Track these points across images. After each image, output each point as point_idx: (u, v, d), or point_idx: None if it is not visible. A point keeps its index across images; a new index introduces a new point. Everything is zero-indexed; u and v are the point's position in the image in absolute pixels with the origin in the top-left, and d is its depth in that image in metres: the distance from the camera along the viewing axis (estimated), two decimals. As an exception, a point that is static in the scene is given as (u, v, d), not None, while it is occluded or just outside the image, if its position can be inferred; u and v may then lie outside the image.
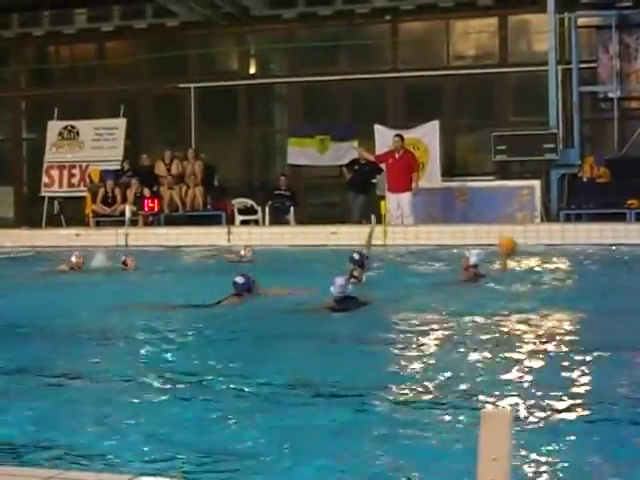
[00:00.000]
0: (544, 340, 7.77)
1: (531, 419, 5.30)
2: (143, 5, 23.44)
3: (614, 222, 17.59)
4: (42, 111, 23.93)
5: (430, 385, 6.19)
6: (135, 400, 5.95)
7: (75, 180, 23.16)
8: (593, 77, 20.95)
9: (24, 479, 3.56)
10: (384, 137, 20.45)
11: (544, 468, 4.53)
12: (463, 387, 6.13)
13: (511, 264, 12.94)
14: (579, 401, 5.74)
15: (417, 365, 6.88)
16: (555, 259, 14.65)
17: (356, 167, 20.62)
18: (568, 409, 5.55)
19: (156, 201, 21.28)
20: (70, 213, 22.71)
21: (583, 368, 6.67)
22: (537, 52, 21.21)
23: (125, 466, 4.53)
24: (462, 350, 7.36)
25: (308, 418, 5.49)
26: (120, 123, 23.11)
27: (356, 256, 11.66)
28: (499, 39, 21.89)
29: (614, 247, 15.93)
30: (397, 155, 19.33)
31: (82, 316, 9.58)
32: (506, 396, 5.87)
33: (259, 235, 18.75)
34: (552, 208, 19.55)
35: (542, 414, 5.43)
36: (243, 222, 20.82)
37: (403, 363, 6.97)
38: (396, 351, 7.45)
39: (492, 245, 14.02)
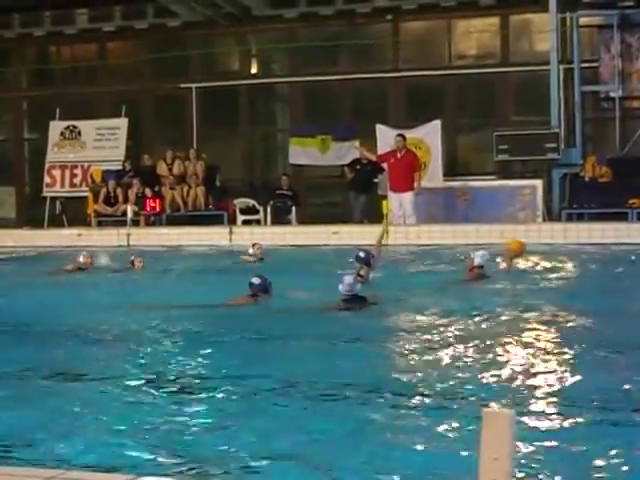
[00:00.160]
0: (546, 340, 7.77)
1: (533, 419, 5.30)
2: (144, 5, 23.45)
3: (616, 222, 17.59)
4: (44, 111, 23.93)
5: (434, 384, 6.19)
6: (138, 400, 5.95)
7: (77, 180, 23.16)
8: (595, 77, 20.94)
9: (25, 479, 3.55)
10: (386, 137, 20.44)
11: (545, 468, 4.53)
12: (465, 386, 6.13)
13: (514, 264, 12.94)
14: (581, 401, 5.74)
15: (421, 365, 6.88)
16: (557, 259, 14.63)
17: (358, 167, 20.61)
18: (570, 409, 5.55)
19: (158, 201, 21.28)
20: (72, 213, 22.71)
21: (585, 367, 6.66)
22: (539, 52, 21.20)
23: (126, 466, 4.53)
24: (465, 350, 7.35)
25: (308, 417, 5.49)
26: (122, 123, 23.11)
27: (362, 254, 11.63)
28: (501, 39, 21.89)
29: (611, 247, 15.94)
30: (399, 155, 19.32)
31: (87, 316, 9.59)
32: (508, 395, 5.87)
33: (261, 235, 18.71)
34: (554, 208, 19.54)
35: (544, 414, 5.42)
36: (245, 222, 20.81)
37: (408, 363, 6.98)
38: (402, 351, 7.45)
39: (494, 244, 14.04)
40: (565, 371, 6.57)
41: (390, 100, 22.56)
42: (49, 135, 23.45)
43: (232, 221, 20.53)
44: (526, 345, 7.55)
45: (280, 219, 20.75)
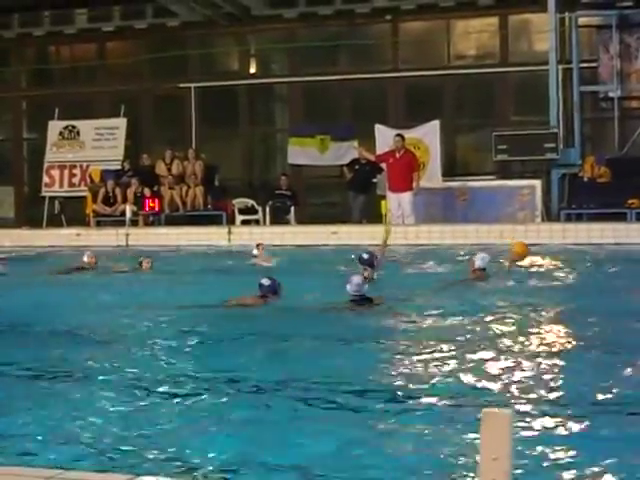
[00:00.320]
0: (546, 340, 7.78)
1: (532, 419, 5.30)
2: (143, 5, 23.44)
3: (615, 222, 17.59)
4: (43, 111, 23.92)
5: (434, 384, 6.21)
6: (140, 400, 5.96)
7: (76, 180, 23.15)
8: (594, 77, 20.95)
9: (24, 479, 3.55)
10: (385, 137, 20.44)
11: (545, 468, 4.53)
12: (464, 386, 6.14)
13: (514, 265, 12.97)
14: (581, 400, 5.74)
15: (422, 365, 6.90)
16: (556, 259, 14.63)
17: (356, 167, 20.61)
18: (570, 408, 5.55)
19: (157, 201, 21.27)
20: (71, 213, 22.71)
21: (585, 367, 6.67)
22: (538, 52, 21.20)
23: (127, 466, 4.54)
24: (465, 350, 7.37)
25: (310, 417, 5.49)
26: (121, 123, 23.11)
27: (366, 256, 11.67)
28: (500, 39, 21.89)
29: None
30: (398, 155, 19.32)
31: (92, 316, 9.62)
32: (507, 395, 5.87)
33: (260, 235, 18.69)
34: (553, 208, 19.54)
35: (543, 414, 5.43)
36: (244, 222, 20.81)
37: (410, 363, 6.99)
38: (405, 352, 7.48)
39: (493, 244, 14.06)
40: (564, 371, 6.58)
41: (389, 100, 22.57)
42: (48, 135, 23.44)
43: (231, 221, 20.53)
44: (526, 345, 7.56)
45: (279, 219, 20.75)
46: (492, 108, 22.04)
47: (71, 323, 9.13)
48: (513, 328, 8.38)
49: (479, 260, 11.85)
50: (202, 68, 23.73)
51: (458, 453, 4.64)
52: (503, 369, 6.65)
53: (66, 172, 23.22)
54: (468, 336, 8.01)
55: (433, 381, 6.35)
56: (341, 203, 21.62)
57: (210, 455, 4.78)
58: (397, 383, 6.32)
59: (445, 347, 7.52)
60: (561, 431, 5.11)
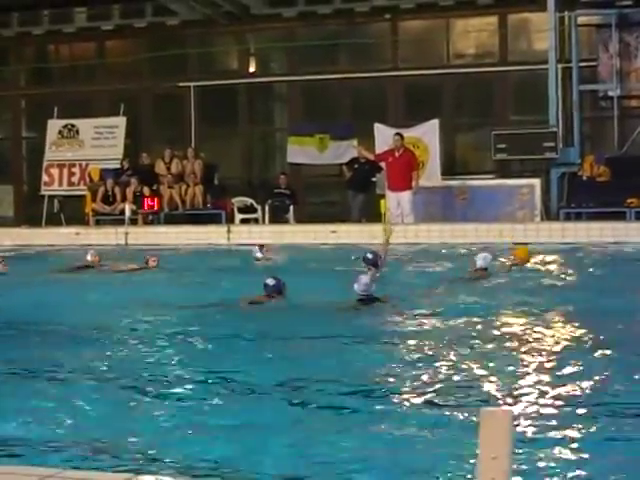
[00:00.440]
0: (546, 339, 7.78)
1: (532, 418, 5.30)
2: (143, 4, 23.44)
3: (614, 221, 17.59)
4: (42, 110, 23.91)
5: (434, 383, 6.21)
6: (143, 399, 5.96)
7: (75, 179, 23.15)
8: (593, 76, 20.94)
9: (24, 478, 3.55)
10: (384, 136, 20.44)
11: (544, 467, 4.53)
12: (464, 385, 6.14)
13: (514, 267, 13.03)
14: (581, 400, 5.74)
15: (424, 364, 6.91)
16: (555, 258, 14.64)
17: (356, 166, 20.60)
18: (570, 408, 5.55)
19: (156, 200, 21.27)
20: (70, 212, 22.70)
21: (584, 366, 6.67)
22: (537, 51, 21.19)
23: (127, 465, 4.54)
24: (466, 349, 7.37)
25: (311, 417, 5.49)
26: (120, 122, 23.10)
27: (370, 255, 11.76)
28: (499, 38, 21.88)
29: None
30: (397, 154, 19.31)
31: (94, 315, 9.63)
32: (507, 394, 5.87)
33: (259, 234, 18.73)
34: (552, 207, 19.54)
35: (542, 413, 5.43)
36: (243, 221, 20.81)
37: (414, 362, 7.00)
38: (409, 350, 7.49)
39: (492, 243, 14.08)
40: (564, 370, 6.58)
41: (388, 99, 22.56)
42: (47, 134, 23.43)
43: (230, 220, 20.53)
44: (525, 345, 7.57)
45: (278, 218, 20.74)
46: (491, 107, 22.04)
47: (75, 322, 9.15)
48: (512, 328, 8.39)
49: (481, 260, 11.89)
50: (201, 67, 23.73)
51: (457, 452, 4.64)
52: (503, 368, 6.66)
53: (65, 171, 23.22)
54: (469, 335, 8.01)
55: (434, 380, 6.35)
56: (340, 202, 21.61)
57: (210, 455, 4.78)
58: (397, 382, 6.32)
59: (446, 346, 7.53)
60: (561, 430, 5.11)
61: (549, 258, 14.52)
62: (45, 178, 23.30)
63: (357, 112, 22.18)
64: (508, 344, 7.58)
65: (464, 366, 6.78)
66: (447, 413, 5.46)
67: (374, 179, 20.45)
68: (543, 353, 7.21)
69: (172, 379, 6.55)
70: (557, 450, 4.77)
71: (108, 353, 7.58)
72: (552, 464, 4.58)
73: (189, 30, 23.25)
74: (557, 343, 7.60)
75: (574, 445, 4.85)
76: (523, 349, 7.38)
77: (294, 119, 23.13)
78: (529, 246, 14.40)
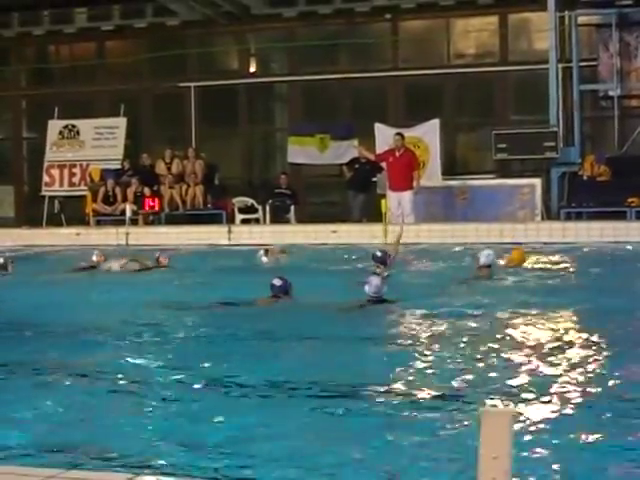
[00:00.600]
0: (547, 339, 7.78)
1: (533, 418, 5.30)
2: (143, 4, 23.44)
3: (615, 220, 17.59)
4: (42, 110, 23.92)
5: (435, 383, 6.22)
6: (144, 399, 5.96)
7: (75, 179, 23.16)
8: (593, 75, 20.94)
9: (25, 478, 3.55)
10: (384, 136, 20.44)
11: (545, 467, 4.53)
12: (465, 385, 6.14)
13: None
14: (583, 399, 5.74)
15: (427, 363, 6.92)
16: (556, 258, 14.64)
17: (356, 166, 20.61)
18: (571, 407, 5.55)
19: (156, 200, 21.28)
20: (70, 212, 22.70)
21: (584, 366, 6.67)
22: (537, 50, 21.20)
23: (126, 465, 4.54)
24: (470, 348, 7.39)
25: (313, 417, 5.50)
26: (120, 122, 23.10)
27: (379, 254, 11.90)
28: (499, 37, 21.89)
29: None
30: (398, 153, 19.30)
31: (97, 315, 9.64)
32: (508, 394, 5.88)
33: (259, 234, 18.73)
34: (553, 206, 19.54)
35: (543, 413, 5.43)
36: (243, 221, 20.81)
37: (417, 362, 7.00)
38: (412, 350, 7.50)
39: (493, 243, 14.10)
40: (564, 369, 6.58)
41: (389, 99, 22.57)
42: (48, 134, 23.43)
43: (231, 220, 20.53)
44: (527, 344, 7.57)
45: (279, 218, 20.75)
46: (492, 107, 22.04)
47: (77, 322, 9.15)
48: (515, 328, 8.38)
49: (484, 257, 11.97)
50: (202, 67, 23.73)
51: (458, 452, 4.64)
52: (505, 368, 6.66)
53: (66, 171, 23.22)
54: (471, 335, 8.02)
55: (435, 379, 6.36)
56: (341, 202, 21.62)
57: (210, 455, 4.78)
58: (398, 382, 6.32)
59: (449, 346, 7.53)
60: (562, 430, 5.11)
61: (550, 258, 14.52)
62: (46, 179, 23.30)
63: (357, 112, 22.18)
64: (510, 344, 7.58)
65: (466, 366, 6.78)
66: (448, 413, 5.46)
67: (375, 179, 20.45)
68: (544, 352, 7.21)
69: (173, 379, 6.54)
70: (557, 450, 4.77)
71: (111, 353, 7.58)
72: (552, 464, 4.58)
73: (189, 30, 23.25)
74: (559, 342, 7.59)
75: (575, 445, 4.85)
76: (524, 349, 7.38)
77: (294, 119, 23.13)
78: (523, 247, 14.44)
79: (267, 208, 20.79)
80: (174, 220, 20.97)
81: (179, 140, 23.30)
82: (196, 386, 6.33)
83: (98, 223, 21.39)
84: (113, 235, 18.95)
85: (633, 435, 5.01)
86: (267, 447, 4.87)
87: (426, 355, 7.25)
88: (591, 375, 6.39)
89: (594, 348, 7.33)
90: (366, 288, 9.42)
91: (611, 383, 6.10)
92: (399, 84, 22.39)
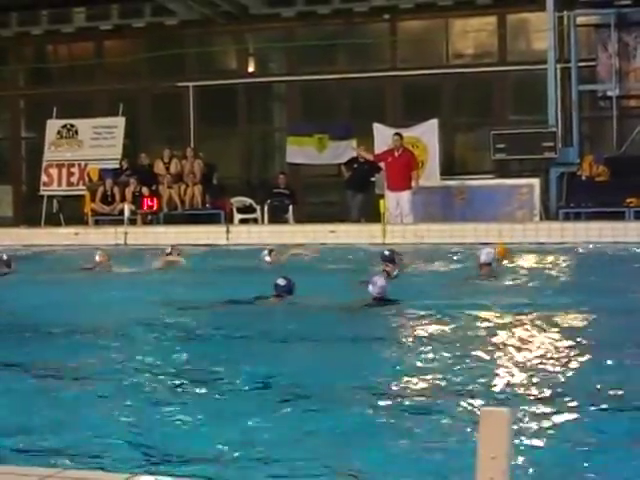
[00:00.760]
0: (546, 339, 7.79)
1: (531, 418, 5.30)
2: (142, 4, 23.43)
3: (613, 221, 17.59)
4: (41, 110, 23.90)
5: (435, 382, 6.22)
6: (146, 398, 5.97)
7: (74, 179, 23.14)
8: (592, 75, 20.94)
9: (23, 478, 3.55)
10: (383, 136, 20.43)
11: (543, 467, 4.53)
12: (463, 385, 6.14)
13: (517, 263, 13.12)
14: (581, 399, 5.74)
15: (426, 363, 6.93)
16: (554, 258, 14.66)
17: (355, 166, 20.59)
18: (570, 407, 5.55)
19: (155, 200, 21.27)
20: (69, 212, 22.69)
21: (586, 366, 6.68)
22: (536, 51, 21.19)
23: (126, 465, 4.54)
24: (468, 348, 7.39)
25: (313, 416, 5.50)
26: (119, 122, 23.09)
27: (387, 253, 12.03)
28: (498, 38, 21.88)
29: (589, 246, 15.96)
30: (396, 153, 19.30)
31: (100, 315, 9.64)
32: (507, 394, 5.88)
33: (258, 234, 18.73)
34: (551, 207, 19.54)
35: (542, 412, 5.43)
36: (242, 221, 20.81)
37: (417, 361, 7.01)
38: (413, 350, 7.51)
39: (491, 243, 14.12)
40: (563, 370, 6.58)
41: (387, 99, 22.56)
42: (46, 134, 23.41)
43: (229, 220, 20.52)
44: (527, 343, 7.58)
45: (277, 218, 20.74)
46: (490, 107, 22.05)
47: (82, 322, 9.17)
48: (514, 327, 8.40)
49: (484, 255, 12.07)
50: (200, 67, 23.73)
51: (456, 451, 4.64)
52: (504, 368, 6.67)
53: (64, 171, 23.21)
54: (472, 334, 8.04)
55: (435, 379, 6.36)
56: (339, 202, 21.61)
57: (209, 455, 4.78)
58: (398, 381, 6.32)
59: (450, 345, 7.54)
60: (560, 430, 5.11)
61: (548, 258, 14.54)
62: (44, 178, 23.28)
63: (356, 112, 22.18)
64: (509, 344, 7.58)
65: (465, 366, 6.78)
66: (447, 412, 5.46)
67: (373, 179, 20.45)
68: (543, 352, 7.21)
69: (174, 379, 6.54)
70: (556, 449, 4.77)
71: (111, 353, 7.59)
72: (551, 464, 4.58)
73: (188, 30, 23.25)
74: (558, 342, 7.60)
75: (574, 444, 4.85)
76: (524, 349, 7.39)
77: (293, 119, 23.13)
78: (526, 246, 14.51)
79: (265, 208, 20.78)
80: (172, 220, 20.97)
81: (177, 140, 23.29)
82: (196, 386, 6.33)
83: (96, 223, 21.38)
84: (111, 235, 18.95)
85: (633, 436, 5.01)
86: (268, 447, 4.87)
87: (427, 355, 7.26)
88: (590, 375, 6.39)
89: (593, 348, 7.33)
90: (370, 288, 9.44)
91: (611, 384, 6.10)
92: (397, 84, 22.39)
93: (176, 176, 21.70)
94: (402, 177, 19.02)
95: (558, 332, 8.08)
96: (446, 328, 8.42)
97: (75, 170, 23.14)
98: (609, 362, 6.86)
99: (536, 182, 19.38)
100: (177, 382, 6.45)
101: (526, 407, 5.54)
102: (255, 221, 20.91)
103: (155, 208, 21.22)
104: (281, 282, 9.88)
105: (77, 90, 23.79)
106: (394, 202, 18.87)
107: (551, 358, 7.02)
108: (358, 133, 21.36)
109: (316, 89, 22.79)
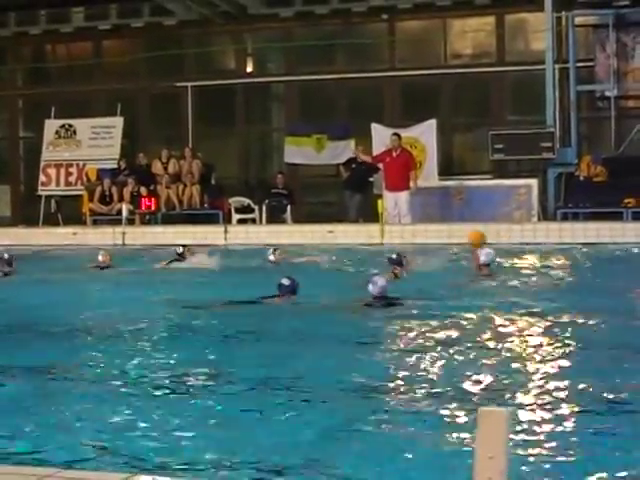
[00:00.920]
0: (546, 339, 7.79)
1: (529, 417, 5.31)
2: (140, 4, 23.44)
3: (611, 221, 17.60)
4: (39, 110, 23.91)
5: (433, 382, 6.23)
6: (146, 398, 5.97)
7: (72, 179, 23.14)
8: (590, 76, 20.95)
9: (22, 478, 3.55)
10: (381, 136, 20.44)
11: (541, 467, 4.54)
12: (462, 385, 6.15)
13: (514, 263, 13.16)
14: (579, 399, 5.75)
15: (426, 363, 6.93)
16: (552, 258, 14.66)
17: (353, 166, 20.59)
18: (568, 407, 5.56)
19: (153, 200, 21.27)
20: (67, 212, 22.69)
21: (584, 366, 6.68)
22: (534, 51, 21.21)
23: (126, 465, 4.54)
24: (468, 349, 7.39)
25: (313, 416, 5.51)
26: (117, 122, 23.09)
27: (394, 256, 12.06)
28: (496, 38, 21.89)
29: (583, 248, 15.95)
30: (395, 154, 19.30)
31: (104, 314, 9.65)
32: (505, 394, 5.88)
33: (256, 234, 18.74)
34: (549, 207, 19.55)
35: (540, 412, 5.44)
36: (240, 221, 20.81)
37: (415, 362, 7.01)
38: (413, 350, 7.50)
39: (489, 244, 14.12)
40: (562, 370, 6.59)
41: (386, 99, 22.57)
42: (44, 133, 23.42)
43: (227, 220, 20.52)
44: (526, 344, 7.58)
45: (275, 218, 20.75)
46: (489, 107, 22.05)
47: (84, 323, 9.18)
48: (513, 327, 8.40)
49: (483, 256, 12.02)
50: (198, 67, 23.73)
51: (454, 451, 4.64)
52: (502, 368, 6.66)
53: (62, 171, 23.21)
54: (471, 335, 8.03)
55: (432, 379, 6.36)
56: (337, 202, 21.61)
57: (209, 455, 4.78)
58: (396, 381, 6.33)
59: (449, 346, 7.54)
60: (558, 430, 5.11)
61: (546, 258, 14.54)
62: (42, 178, 23.28)
63: (354, 112, 22.18)
64: (509, 344, 7.59)
65: (463, 366, 6.78)
66: (444, 412, 5.46)
67: (371, 179, 20.45)
68: (542, 353, 7.22)
69: (175, 379, 6.55)
70: (554, 450, 4.78)
71: (111, 352, 7.59)
72: (548, 464, 4.59)
73: (186, 30, 23.25)
74: (557, 343, 7.60)
75: (571, 444, 4.85)
76: (523, 349, 7.39)
77: (291, 119, 23.14)
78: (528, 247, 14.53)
79: (264, 208, 20.79)
80: (171, 220, 20.97)
81: (176, 140, 23.30)
82: (197, 386, 6.33)
83: (95, 223, 21.39)
84: (110, 235, 18.95)
85: (632, 437, 5.01)
86: (270, 449, 4.87)
87: (425, 355, 7.26)
88: (589, 376, 6.39)
89: (592, 349, 7.34)
90: (370, 287, 9.45)
91: (609, 385, 6.10)
92: (396, 84, 22.39)
93: (174, 176, 21.70)
94: (400, 177, 19.02)
95: (557, 333, 8.08)
96: (445, 328, 8.42)
97: (73, 170, 23.14)
98: (608, 363, 6.86)
99: (534, 182, 19.39)
100: (179, 382, 6.45)
101: (524, 407, 5.54)
102: (253, 221, 20.92)
103: (153, 208, 21.22)
104: (285, 282, 9.89)
105: (75, 90, 23.79)
106: (392, 202, 18.87)
107: (549, 358, 7.02)
108: (356, 133, 21.37)
109: (314, 89, 22.80)
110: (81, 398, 6.00)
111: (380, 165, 19.70)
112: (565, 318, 8.87)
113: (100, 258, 14.01)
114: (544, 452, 4.73)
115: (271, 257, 13.98)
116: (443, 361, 7.01)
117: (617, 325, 8.42)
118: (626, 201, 18.43)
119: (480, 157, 21.26)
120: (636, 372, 6.54)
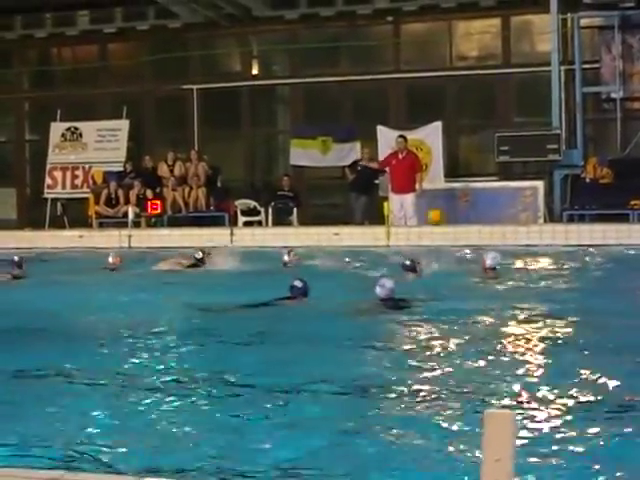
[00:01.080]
0: (550, 341, 7.78)
1: (536, 420, 5.30)
2: (145, 7, 23.46)
3: (617, 223, 17.57)
4: (45, 113, 23.95)
5: (437, 384, 6.22)
6: (148, 400, 5.96)
7: (78, 181, 23.17)
8: (596, 78, 20.93)
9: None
10: (387, 138, 20.43)
11: (547, 469, 4.53)
12: (467, 387, 6.14)
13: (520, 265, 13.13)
14: (584, 401, 5.74)
15: (432, 365, 6.93)
16: (558, 260, 14.64)
17: (359, 168, 20.60)
18: (573, 409, 5.55)
19: (159, 202, 21.29)
20: (73, 214, 22.72)
21: (589, 368, 6.66)
22: (540, 53, 21.20)
23: (126, 465, 4.54)
24: (473, 351, 7.39)
25: (306, 415, 5.50)
26: (123, 124, 23.12)
27: (408, 262, 12.05)
28: (502, 40, 21.88)
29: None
30: (400, 156, 19.30)
31: (108, 315, 9.65)
32: (511, 396, 5.87)
33: (262, 236, 18.74)
34: (555, 209, 19.53)
35: (546, 414, 5.42)
36: (246, 223, 20.82)
37: (420, 364, 7.01)
38: (417, 352, 7.50)
39: (495, 245, 14.14)
40: (568, 372, 6.57)
41: (391, 101, 22.57)
42: (50, 136, 23.45)
43: (233, 222, 20.53)
44: (532, 347, 7.57)
45: (281, 220, 20.76)
46: (494, 109, 22.04)
47: (86, 324, 9.17)
48: (520, 330, 8.39)
49: (489, 259, 12.04)
50: (204, 69, 23.74)
51: (461, 454, 4.63)
52: (508, 370, 6.65)
53: (68, 174, 23.24)
54: (477, 337, 8.02)
55: (439, 382, 6.35)
56: (343, 204, 21.61)
57: (208, 455, 4.77)
58: (402, 383, 6.31)
59: (455, 348, 7.54)
60: (564, 432, 5.10)
61: (553, 260, 14.52)
62: (48, 181, 23.32)
63: (360, 114, 22.18)
64: (515, 347, 7.58)
65: (470, 368, 6.78)
66: (451, 414, 5.46)
67: (377, 181, 20.45)
68: (548, 356, 7.21)
69: (177, 380, 6.54)
70: (560, 452, 4.76)
71: (115, 355, 7.59)
72: (554, 466, 4.58)
73: (191, 33, 23.27)
74: (563, 345, 7.59)
75: (577, 446, 4.84)
76: (529, 352, 7.38)
77: (296, 121, 23.14)
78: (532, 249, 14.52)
79: (269, 210, 20.80)
80: (177, 222, 20.99)
81: (181, 142, 23.32)
82: (197, 387, 6.33)
83: (101, 225, 21.41)
84: (116, 237, 18.96)
85: (632, 438, 5.00)
86: (273, 449, 4.87)
87: (432, 356, 7.26)
88: (594, 378, 6.38)
89: (597, 351, 7.32)
90: (377, 290, 9.46)
91: (614, 387, 6.09)
92: (401, 86, 22.39)
93: (180, 179, 21.73)
94: (406, 179, 19.02)
95: (563, 335, 8.07)
96: (452, 330, 8.41)
97: (79, 173, 23.17)
98: (615, 364, 6.84)
99: (540, 184, 19.37)
100: (177, 383, 6.45)
101: (530, 409, 5.53)
102: (259, 223, 20.93)
103: (159, 211, 21.24)
104: (298, 284, 9.92)
105: (81, 93, 23.83)
106: (398, 204, 18.86)
107: (556, 361, 7.01)
108: (362, 135, 21.37)
109: (319, 91, 22.81)
110: (81, 398, 6.00)
111: (386, 168, 19.70)
112: (571, 320, 8.86)
113: (110, 260, 14.03)
114: (551, 454, 4.72)
115: (285, 257, 14.06)
116: (450, 363, 7.01)
117: (624, 326, 8.40)
118: (632, 203, 18.41)
119: (486, 159, 21.24)
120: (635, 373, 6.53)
